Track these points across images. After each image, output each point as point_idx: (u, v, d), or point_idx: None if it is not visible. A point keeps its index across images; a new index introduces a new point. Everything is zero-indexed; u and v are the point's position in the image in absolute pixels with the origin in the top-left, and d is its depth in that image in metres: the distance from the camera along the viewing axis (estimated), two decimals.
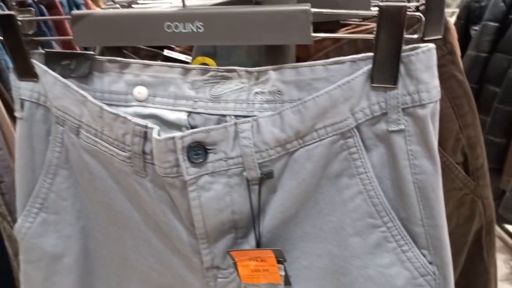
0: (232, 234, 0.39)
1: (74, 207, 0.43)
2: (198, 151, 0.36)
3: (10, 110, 0.61)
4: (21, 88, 0.41)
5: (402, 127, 0.34)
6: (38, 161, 0.42)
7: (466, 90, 0.46)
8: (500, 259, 1.66)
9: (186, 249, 0.40)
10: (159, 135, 0.36)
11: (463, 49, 1.41)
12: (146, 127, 0.36)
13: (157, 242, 0.42)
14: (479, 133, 0.48)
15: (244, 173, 0.36)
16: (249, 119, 0.36)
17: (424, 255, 0.36)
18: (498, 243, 1.76)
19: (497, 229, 1.83)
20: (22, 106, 0.42)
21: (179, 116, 0.38)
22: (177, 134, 0.35)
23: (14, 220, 0.55)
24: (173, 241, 0.41)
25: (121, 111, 0.38)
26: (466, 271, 0.52)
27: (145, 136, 0.37)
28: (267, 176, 0.36)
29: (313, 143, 0.35)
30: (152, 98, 0.38)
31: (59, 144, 0.41)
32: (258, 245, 0.38)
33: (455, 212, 0.48)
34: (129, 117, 0.37)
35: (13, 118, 0.56)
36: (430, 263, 0.36)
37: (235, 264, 0.39)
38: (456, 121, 0.46)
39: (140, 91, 0.38)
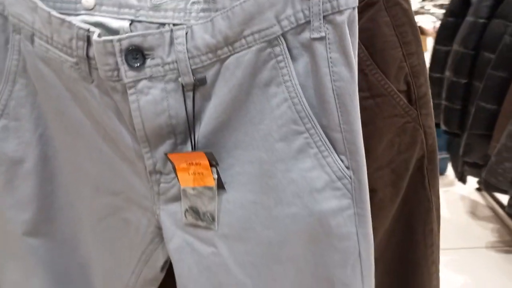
0: (171, 140, 0.42)
1: (33, 115, 0.46)
2: (136, 55, 0.39)
3: None
4: None
5: (323, 34, 0.36)
6: None
7: (410, 18, 0.48)
8: (489, 228, 1.68)
9: (132, 155, 0.43)
10: (99, 37, 0.39)
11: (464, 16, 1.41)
12: (88, 30, 0.39)
13: (107, 149, 0.45)
14: (423, 62, 0.50)
15: (179, 79, 0.39)
16: (184, 26, 0.38)
17: (342, 160, 0.39)
18: (488, 213, 1.78)
19: (487, 198, 1.85)
20: None
21: (122, 24, 0.40)
22: (115, 37, 0.38)
23: None
24: (120, 147, 0.44)
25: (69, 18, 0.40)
26: (409, 199, 0.55)
27: (88, 40, 0.40)
28: (200, 82, 0.39)
29: (242, 50, 0.38)
30: (99, 6, 0.41)
31: (16, 52, 0.44)
32: (194, 149, 0.41)
33: (397, 138, 0.51)
34: (74, 21, 0.39)
35: None
36: (347, 167, 0.39)
37: (174, 168, 0.43)
38: (399, 49, 0.48)
39: (88, 0, 0.41)
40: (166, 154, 0.41)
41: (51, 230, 0.51)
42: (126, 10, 0.40)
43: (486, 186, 1.48)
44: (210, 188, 0.42)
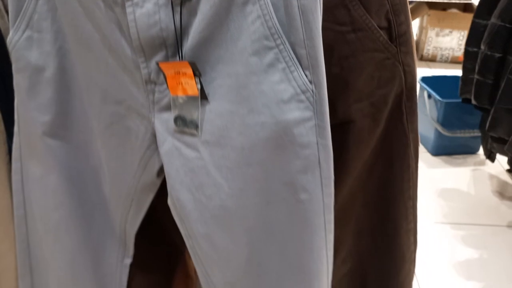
0: (163, 52, 0.48)
1: (53, 28, 0.53)
2: None
3: None
4: None
5: None
6: None
7: None
8: None
9: (131, 65, 0.50)
10: None
11: None
12: None
13: (112, 61, 0.52)
14: (404, 1, 0.53)
15: None
16: None
17: (306, 75, 0.44)
18: None
19: None
20: None
21: None
22: None
23: None
24: (122, 58, 0.51)
25: None
26: (388, 134, 0.59)
27: None
28: None
29: None
30: None
31: None
32: (180, 58, 0.47)
33: (377, 73, 0.54)
34: None
35: None
36: (310, 82, 0.44)
37: (165, 77, 0.49)
38: None
39: None
40: (157, 63, 0.48)
41: (67, 134, 0.59)
42: None
43: (510, 162, 1.46)
44: (194, 98, 0.48)
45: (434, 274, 1.37)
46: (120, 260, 0.66)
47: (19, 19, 0.53)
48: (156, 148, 0.54)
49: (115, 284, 0.67)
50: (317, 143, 0.46)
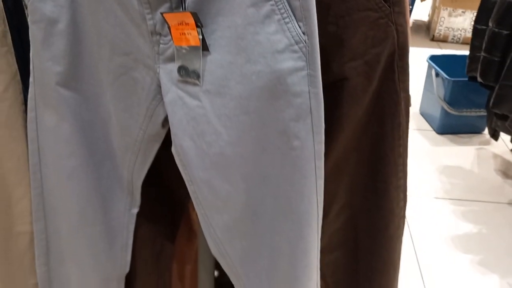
0: (167, 3, 0.51)
1: None
2: None
3: None
4: None
5: None
6: None
7: None
8: None
9: (137, 17, 0.53)
10: None
11: None
12: None
13: (121, 13, 0.55)
14: None
15: None
16: None
17: (299, 26, 0.47)
18: None
19: None
20: None
21: None
22: None
23: None
24: (130, 11, 0.54)
25: None
26: (381, 93, 0.62)
27: None
28: None
29: None
30: None
31: None
32: (183, 9, 0.51)
33: (370, 32, 0.57)
34: None
35: None
36: (303, 33, 0.47)
37: (169, 28, 0.52)
38: None
39: None
40: (162, 14, 0.51)
41: (79, 85, 0.62)
42: None
43: None
44: (196, 48, 0.52)
45: (433, 247, 1.41)
46: (127, 209, 0.71)
47: None
48: (161, 98, 0.58)
49: (122, 231, 0.72)
50: (309, 92, 0.49)
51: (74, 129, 0.64)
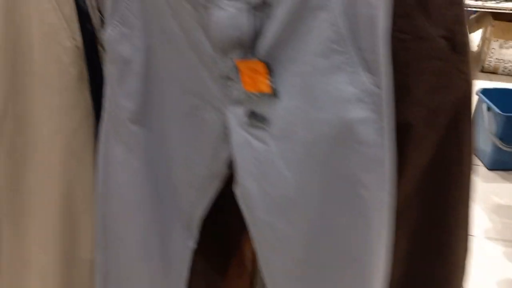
0: (240, 50, 0.53)
1: (142, 26, 0.59)
2: None
3: None
4: None
5: None
6: None
7: None
8: None
9: (209, 60, 0.56)
10: None
11: None
12: None
13: (193, 56, 0.58)
14: (465, 12, 0.55)
15: (251, 0, 0.50)
16: None
17: (372, 79, 0.48)
18: None
19: None
20: None
21: None
22: None
23: None
24: (202, 55, 0.56)
25: None
26: (444, 140, 0.61)
27: None
28: (265, 3, 0.50)
29: None
30: None
31: None
32: (256, 59, 0.52)
33: (435, 80, 0.57)
34: None
35: None
36: (376, 85, 0.48)
37: (239, 74, 0.54)
38: None
39: None
40: (234, 61, 0.53)
41: (148, 121, 0.65)
42: None
43: None
44: (266, 95, 0.53)
45: None
46: (185, 243, 0.72)
47: (114, 16, 0.61)
48: (227, 139, 0.60)
49: (179, 265, 0.73)
50: (380, 143, 0.49)
51: (141, 163, 0.66)
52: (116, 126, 0.66)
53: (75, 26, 0.62)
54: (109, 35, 0.61)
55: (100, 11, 0.71)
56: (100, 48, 0.70)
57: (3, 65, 0.61)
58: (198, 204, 0.68)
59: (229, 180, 0.63)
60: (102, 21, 0.71)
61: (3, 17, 0.58)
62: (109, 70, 0.63)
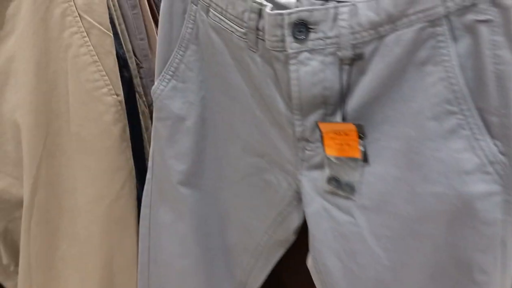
0: (322, 110, 0.44)
1: (198, 78, 0.52)
2: (301, 28, 0.42)
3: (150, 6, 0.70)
4: None
5: (489, 17, 0.36)
6: (174, 36, 0.52)
7: None
8: None
9: (282, 120, 0.47)
10: (272, 11, 0.42)
11: None
12: (261, 4, 0.43)
13: (259, 113, 0.49)
14: None
15: (339, 53, 0.42)
16: (348, 3, 0.40)
17: (496, 145, 0.39)
18: None
19: None
20: None
21: (289, 0, 0.44)
22: (286, 11, 0.42)
23: (148, 101, 0.66)
24: (272, 113, 0.48)
25: None
26: None
27: (260, 13, 0.44)
28: (358, 56, 0.41)
29: (404, 28, 0.39)
30: None
31: (191, 21, 0.50)
32: (344, 120, 0.44)
33: None
34: None
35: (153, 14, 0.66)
36: (501, 153, 0.39)
37: (321, 137, 0.45)
38: None
39: None
40: (316, 122, 0.45)
41: (199, 182, 0.57)
42: None
43: None
44: (354, 160, 0.44)
45: None
46: None
47: (165, 69, 0.52)
48: (297, 205, 0.51)
49: None
50: (503, 220, 0.40)
51: (189, 228, 0.59)
52: (163, 188, 0.58)
53: (117, 78, 0.53)
54: (159, 89, 0.53)
55: (136, 55, 0.62)
56: (140, 100, 0.61)
57: (35, 126, 0.52)
58: (256, 272, 0.60)
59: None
60: (139, 66, 0.64)
61: (34, 74, 0.50)
62: (158, 128, 0.55)
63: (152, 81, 0.58)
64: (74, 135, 0.53)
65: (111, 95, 0.53)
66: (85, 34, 0.49)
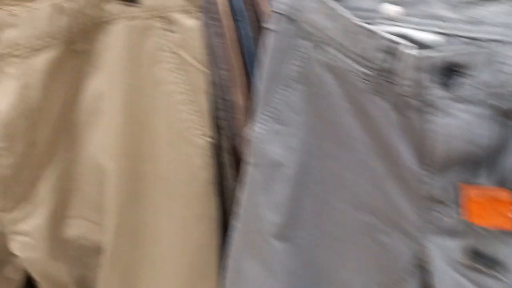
0: (465, 169, 0.37)
1: (302, 122, 0.45)
2: (448, 72, 0.34)
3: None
4: (277, 1, 0.44)
5: None
6: (278, 73, 0.45)
7: None
8: None
9: (406, 175, 0.40)
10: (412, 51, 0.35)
11: None
12: (395, 42, 0.36)
13: (375, 163, 0.42)
14: None
15: (497, 104, 0.34)
16: (508, 42, 0.33)
17: None
18: None
19: None
20: (273, 18, 0.45)
21: (428, 37, 0.36)
22: (430, 52, 0.34)
23: (233, 135, 0.60)
24: (393, 165, 0.41)
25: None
26: None
27: (393, 52, 0.36)
28: None
29: None
30: (404, 16, 0.37)
31: (298, 58, 0.44)
32: (498, 185, 0.36)
33: None
34: (376, 31, 0.37)
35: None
36: None
37: (458, 199, 0.38)
38: None
39: (389, 8, 0.38)
40: (454, 183, 0.37)
41: (294, 234, 0.50)
42: (435, 22, 0.36)
43: None
44: (505, 232, 0.36)
45: None
46: None
47: (265, 109, 0.46)
48: (418, 274, 0.43)
49: None
50: None
51: (281, 285, 0.52)
52: (253, 240, 0.52)
53: (209, 118, 0.48)
54: (256, 133, 0.46)
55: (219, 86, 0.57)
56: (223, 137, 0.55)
57: (121, 170, 0.47)
58: None
59: None
60: (223, 99, 0.58)
61: (123, 115, 0.45)
62: (252, 175, 0.48)
63: (234, 117, 0.52)
64: (160, 179, 0.48)
65: (202, 137, 0.47)
66: (180, 71, 0.44)
